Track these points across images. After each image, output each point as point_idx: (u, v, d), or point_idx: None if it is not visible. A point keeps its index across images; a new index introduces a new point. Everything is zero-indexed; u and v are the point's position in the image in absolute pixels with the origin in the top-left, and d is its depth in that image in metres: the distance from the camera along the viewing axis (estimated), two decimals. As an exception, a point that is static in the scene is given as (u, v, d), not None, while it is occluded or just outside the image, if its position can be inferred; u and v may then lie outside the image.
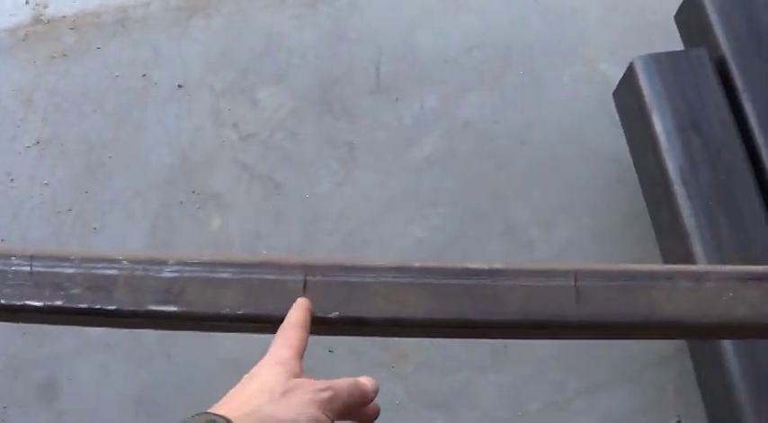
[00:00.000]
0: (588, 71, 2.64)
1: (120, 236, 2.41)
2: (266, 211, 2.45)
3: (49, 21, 2.75)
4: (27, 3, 2.78)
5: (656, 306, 1.11)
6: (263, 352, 2.20)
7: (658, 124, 2.10)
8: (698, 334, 1.25)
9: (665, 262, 2.20)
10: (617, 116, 2.36)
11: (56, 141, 2.54)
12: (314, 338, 2.30)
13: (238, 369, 2.21)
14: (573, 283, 1.12)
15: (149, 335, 2.30)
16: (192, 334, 2.26)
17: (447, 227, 2.41)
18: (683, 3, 2.33)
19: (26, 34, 2.72)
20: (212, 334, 2.29)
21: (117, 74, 2.65)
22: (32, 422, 2.22)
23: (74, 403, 2.22)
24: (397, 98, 2.61)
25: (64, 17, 2.75)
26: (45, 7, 2.77)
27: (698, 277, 1.14)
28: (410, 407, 2.22)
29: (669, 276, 1.13)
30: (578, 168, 2.50)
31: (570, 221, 2.41)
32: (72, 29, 2.73)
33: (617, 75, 2.29)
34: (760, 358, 1.85)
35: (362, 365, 2.28)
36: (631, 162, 2.30)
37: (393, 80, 2.64)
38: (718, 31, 2.19)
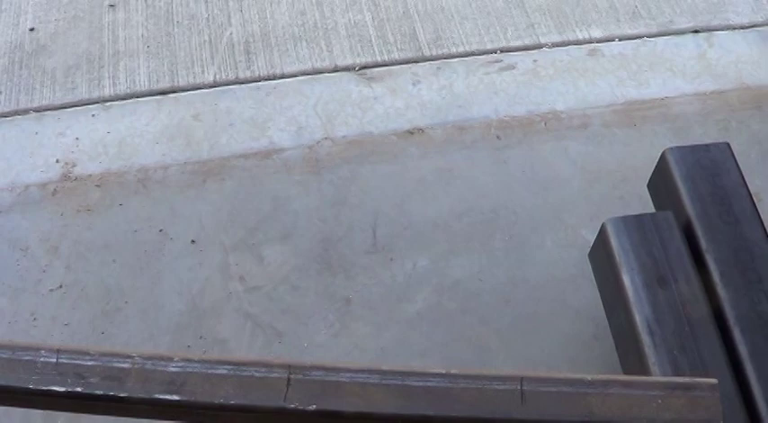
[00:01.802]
0: (569, 236, 2.86)
1: (130, 377, 2.57)
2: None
3: (76, 178, 3.01)
4: (57, 161, 3.05)
5: (592, 408, 1.29)
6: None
7: (627, 279, 2.30)
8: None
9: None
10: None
11: (77, 286, 2.75)
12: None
13: None
14: (519, 387, 1.29)
15: None
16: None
17: (434, 376, 2.57)
18: (654, 171, 2.56)
19: (55, 189, 2.98)
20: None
21: (136, 229, 2.89)
22: None
23: None
24: (392, 258, 2.83)
25: (90, 175, 3.02)
26: (73, 166, 3.04)
27: (629, 385, 1.31)
28: None
29: (605, 384, 1.31)
30: (558, 325, 2.68)
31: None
32: (97, 186, 2.99)
33: (595, 239, 2.51)
34: None
35: None
36: (606, 320, 2.49)
37: (388, 241, 2.86)
38: (684, 195, 2.40)
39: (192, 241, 2.86)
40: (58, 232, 2.88)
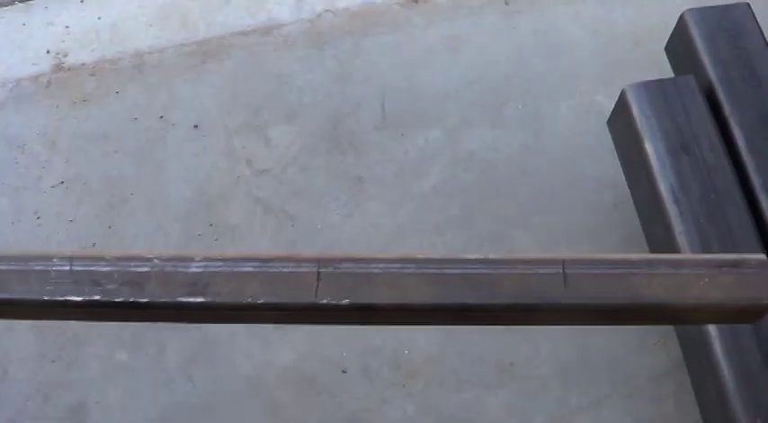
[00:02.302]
0: (584, 102, 2.77)
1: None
2: (280, 241, 2.57)
3: (69, 68, 2.89)
4: (48, 52, 2.92)
5: (638, 290, 1.22)
6: (281, 371, 2.35)
7: (650, 148, 2.22)
8: (676, 317, 1.35)
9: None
10: (612, 145, 2.49)
11: (79, 180, 2.67)
12: (327, 359, 2.43)
13: (258, 388, 2.34)
14: (561, 271, 1.23)
15: (171, 360, 2.41)
16: (212, 356, 2.39)
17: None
18: (673, 34, 2.46)
19: (48, 81, 2.87)
20: (230, 357, 2.41)
21: (136, 116, 2.79)
22: (61, 444, 2.34)
23: (101, 424, 2.33)
24: (403, 133, 2.74)
25: (83, 64, 2.90)
26: (65, 56, 2.92)
27: (675, 264, 1.25)
28: (420, 422, 2.32)
29: (650, 264, 1.24)
30: (577, 194, 2.62)
31: (570, 245, 2.52)
32: (92, 75, 2.87)
33: (611, 106, 2.41)
34: (753, 367, 1.94)
35: (375, 385, 2.38)
36: (627, 187, 2.42)
37: (398, 115, 2.77)
38: (705, 58, 2.31)
39: (195, 126, 2.76)
40: (54, 126, 2.79)
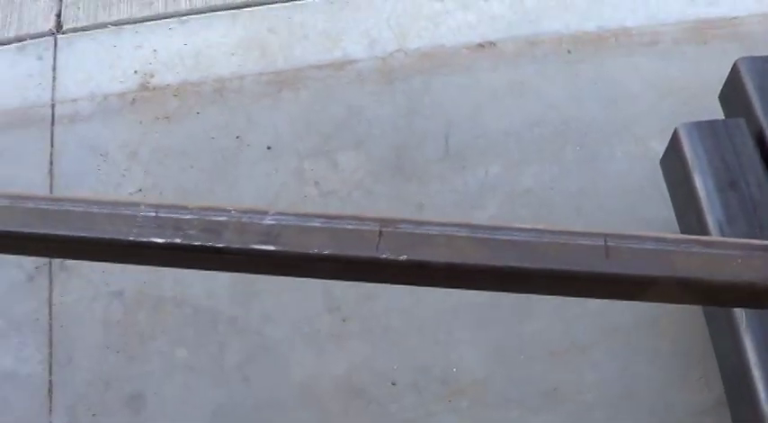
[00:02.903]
0: (639, 148, 2.88)
1: (208, 275, 2.66)
2: (340, 259, 2.69)
3: (154, 88, 3.09)
4: (135, 72, 3.13)
5: (675, 265, 1.32)
6: (333, 380, 2.46)
7: (699, 183, 2.32)
8: (709, 294, 1.44)
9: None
10: (665, 189, 2.59)
11: (156, 190, 2.83)
12: (378, 371, 2.53)
13: (311, 395, 2.44)
14: (603, 243, 1.33)
15: (229, 360, 2.53)
16: (269, 361, 2.50)
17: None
18: (726, 83, 2.57)
19: (134, 99, 3.06)
20: (286, 363, 2.52)
21: (213, 136, 2.96)
22: (119, 429, 2.46)
23: (157, 415, 2.45)
24: (464, 166, 2.87)
25: (168, 85, 3.09)
26: (152, 76, 3.11)
27: (710, 245, 1.35)
28: (465, 436, 2.41)
29: (687, 243, 1.35)
30: (628, 233, 2.71)
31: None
32: (175, 96, 3.06)
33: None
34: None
35: (423, 399, 2.47)
36: (677, 226, 2.51)
37: (460, 150, 2.90)
38: (756, 103, 2.41)
39: (268, 148, 2.92)
40: (136, 139, 2.97)
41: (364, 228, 1.35)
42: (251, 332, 2.56)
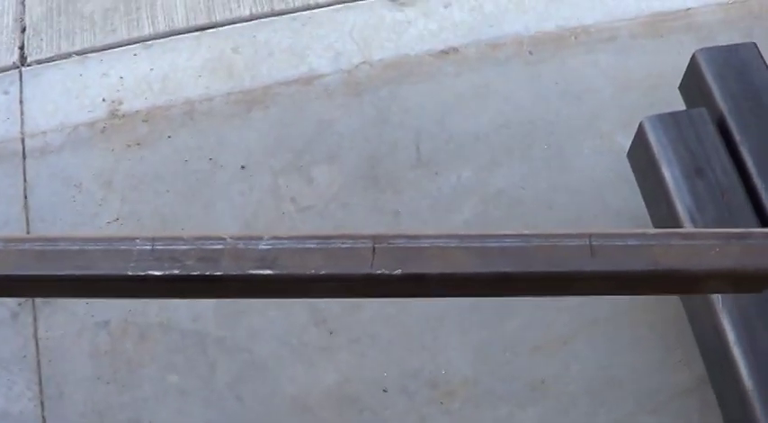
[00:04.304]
0: (605, 142, 2.95)
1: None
2: (322, 272, 2.74)
3: (123, 115, 3.11)
4: (104, 100, 3.14)
5: (657, 259, 1.38)
6: (325, 391, 2.51)
7: (667, 172, 2.39)
8: (690, 284, 1.50)
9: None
10: (633, 180, 2.66)
11: (133, 217, 2.86)
12: (369, 379, 2.57)
13: (304, 407, 2.48)
14: (588, 243, 1.39)
15: (221, 380, 2.56)
16: (260, 378, 2.53)
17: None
18: (685, 74, 2.65)
19: (104, 127, 3.08)
20: (277, 378, 2.56)
21: (186, 158, 2.99)
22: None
23: (155, 440, 2.48)
24: (437, 172, 2.93)
25: (137, 111, 3.11)
26: (120, 103, 3.13)
27: (688, 237, 1.41)
28: (458, 437, 2.46)
29: (666, 237, 1.40)
30: (600, 226, 2.78)
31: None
32: (145, 121, 3.08)
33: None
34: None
35: (415, 403, 2.52)
36: (648, 219, 2.58)
37: (432, 156, 2.96)
38: (716, 92, 2.49)
39: (242, 167, 2.96)
40: (110, 167, 2.99)
41: (358, 246, 1.40)
42: (240, 351, 2.59)
